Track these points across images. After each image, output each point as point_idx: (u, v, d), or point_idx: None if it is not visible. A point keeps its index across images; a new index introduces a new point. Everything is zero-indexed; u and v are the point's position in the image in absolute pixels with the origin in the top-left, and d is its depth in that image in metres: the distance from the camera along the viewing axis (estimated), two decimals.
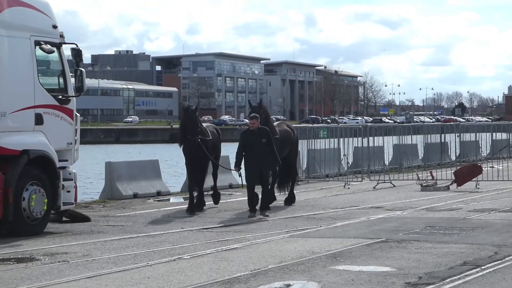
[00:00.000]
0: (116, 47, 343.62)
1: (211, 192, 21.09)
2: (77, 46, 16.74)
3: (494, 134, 34.55)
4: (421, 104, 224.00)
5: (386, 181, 27.21)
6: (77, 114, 17.14)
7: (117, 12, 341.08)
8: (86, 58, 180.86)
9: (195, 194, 19.78)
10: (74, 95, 16.81)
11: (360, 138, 30.18)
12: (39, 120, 15.88)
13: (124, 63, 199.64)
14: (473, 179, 25.23)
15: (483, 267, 11.76)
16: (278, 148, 19.19)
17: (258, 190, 18.67)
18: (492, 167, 28.66)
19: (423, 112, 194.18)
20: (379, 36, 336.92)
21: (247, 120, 23.92)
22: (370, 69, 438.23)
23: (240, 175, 19.16)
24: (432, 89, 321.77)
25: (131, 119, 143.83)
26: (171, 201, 22.84)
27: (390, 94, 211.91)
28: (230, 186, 25.94)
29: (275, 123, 21.56)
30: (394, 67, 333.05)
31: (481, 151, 35.12)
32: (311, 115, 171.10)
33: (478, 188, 24.93)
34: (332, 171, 29.97)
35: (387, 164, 31.78)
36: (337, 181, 28.23)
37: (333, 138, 31.06)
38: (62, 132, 16.53)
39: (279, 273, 11.44)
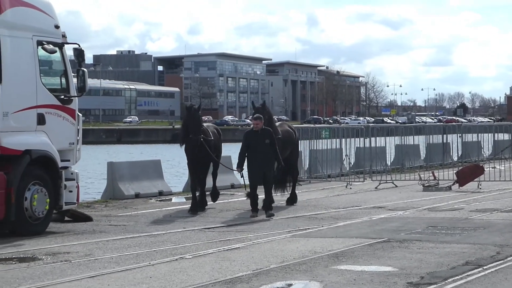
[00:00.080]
0: (118, 47, 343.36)
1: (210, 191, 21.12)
2: (79, 46, 16.75)
3: (496, 134, 34.63)
4: (423, 105, 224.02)
5: (388, 181, 27.21)
6: (79, 114, 17.14)
7: (119, 12, 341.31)
8: (88, 58, 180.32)
9: (197, 194, 19.79)
10: (76, 95, 16.80)
11: (362, 139, 30.17)
12: (41, 120, 15.88)
13: (126, 63, 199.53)
14: (475, 180, 25.23)
15: (485, 267, 11.76)
16: (280, 148, 19.22)
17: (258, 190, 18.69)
18: (494, 167, 28.64)
19: (425, 113, 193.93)
20: (381, 36, 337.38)
21: (249, 120, 23.92)
22: (372, 70, 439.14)
23: (242, 176, 19.17)
24: (434, 89, 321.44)
25: (130, 119, 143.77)
26: (173, 201, 22.84)
27: (392, 94, 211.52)
28: (232, 186, 25.98)
29: (276, 124, 21.61)
30: (396, 68, 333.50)
31: (483, 152, 35.17)
32: (313, 116, 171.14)
33: (480, 188, 24.93)
34: (334, 171, 30.04)
35: (389, 164, 31.75)
36: (339, 181, 28.26)
37: (335, 138, 31.12)
38: (64, 132, 16.53)
39: (281, 273, 11.44)
